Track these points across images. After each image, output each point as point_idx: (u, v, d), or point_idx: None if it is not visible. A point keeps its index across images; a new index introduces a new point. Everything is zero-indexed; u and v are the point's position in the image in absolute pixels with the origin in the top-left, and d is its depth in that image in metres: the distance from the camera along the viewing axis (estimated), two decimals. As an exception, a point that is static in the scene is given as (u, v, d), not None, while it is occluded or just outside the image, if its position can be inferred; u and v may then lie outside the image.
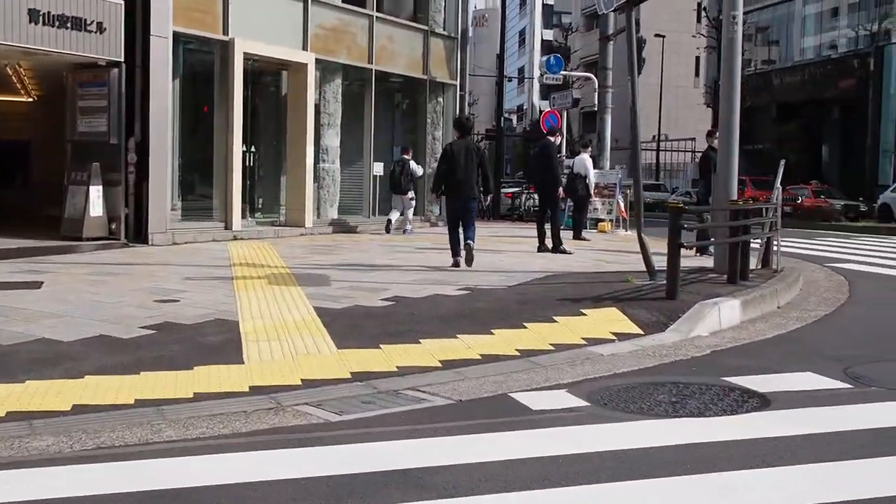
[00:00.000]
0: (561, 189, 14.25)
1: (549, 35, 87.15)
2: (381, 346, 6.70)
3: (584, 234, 17.39)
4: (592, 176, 17.04)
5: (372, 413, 5.14)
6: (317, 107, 18.36)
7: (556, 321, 7.76)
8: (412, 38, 20.66)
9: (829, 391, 5.70)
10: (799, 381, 5.95)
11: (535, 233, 14.39)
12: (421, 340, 6.92)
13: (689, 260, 11.90)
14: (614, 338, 7.38)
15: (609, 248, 15.41)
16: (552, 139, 14.26)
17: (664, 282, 9.11)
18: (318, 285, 9.63)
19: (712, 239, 11.31)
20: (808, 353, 7.07)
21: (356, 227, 18.84)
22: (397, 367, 6.15)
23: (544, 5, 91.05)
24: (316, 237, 17.06)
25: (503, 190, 29.36)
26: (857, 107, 43.39)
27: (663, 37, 63.36)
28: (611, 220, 19.95)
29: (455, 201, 11.89)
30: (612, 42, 19.82)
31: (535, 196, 29.41)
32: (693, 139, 64.33)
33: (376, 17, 19.49)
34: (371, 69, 19.39)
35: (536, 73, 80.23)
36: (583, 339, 7.26)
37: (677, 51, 71.86)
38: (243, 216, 16.58)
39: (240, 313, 7.79)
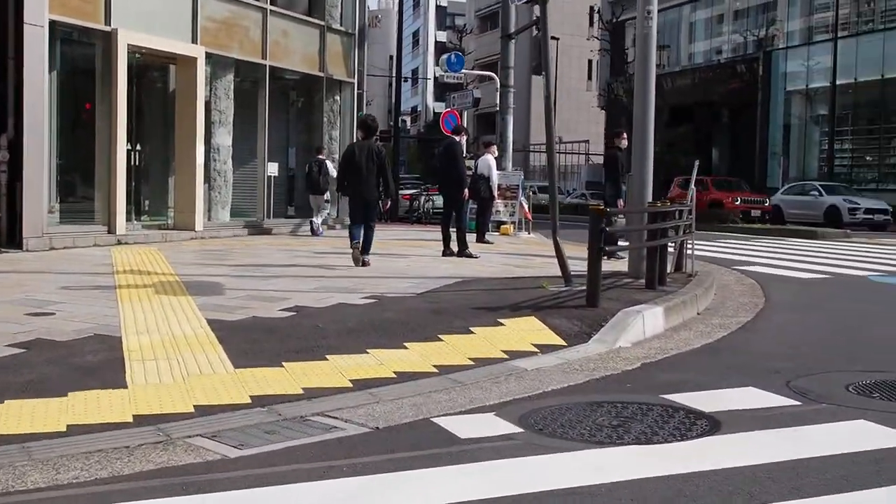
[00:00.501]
0: (467, 190, 13.71)
1: (442, 37, 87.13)
2: (283, 364, 6.00)
3: (487, 236, 16.89)
4: (495, 177, 16.54)
5: (277, 446, 4.44)
6: (207, 104, 17.43)
7: (473, 332, 7.18)
8: (308, 34, 19.87)
9: (778, 409, 5.24)
10: (743, 398, 5.49)
11: (437, 236, 13.85)
12: (328, 357, 6.25)
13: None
14: (537, 350, 6.83)
15: (515, 252, 14.96)
16: (457, 138, 13.70)
17: (581, 288, 8.65)
18: (211, 294, 8.84)
19: (626, 242, 10.91)
20: (742, 365, 6.65)
21: (250, 231, 17.96)
22: (303, 388, 5.46)
23: (438, 7, 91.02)
24: (207, 241, 16.14)
25: (401, 192, 28.76)
26: (745, 110, 44.24)
27: (557, 39, 63.64)
28: (513, 223, 19.53)
29: (357, 201, 12.04)
30: (513, 40, 19.40)
31: (435, 198, 29.02)
32: (587, 141, 64.97)
33: (270, 10, 18.64)
34: (265, 65, 18.54)
35: (431, 73, 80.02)
36: (503, 352, 6.70)
37: (569, 54, 72.57)
38: (128, 219, 15.55)
39: (123, 328, 6.97)
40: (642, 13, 10.22)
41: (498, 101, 20.00)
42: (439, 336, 7.01)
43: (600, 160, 59.76)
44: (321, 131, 20.63)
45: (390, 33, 65.16)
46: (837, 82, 39.06)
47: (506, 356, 6.59)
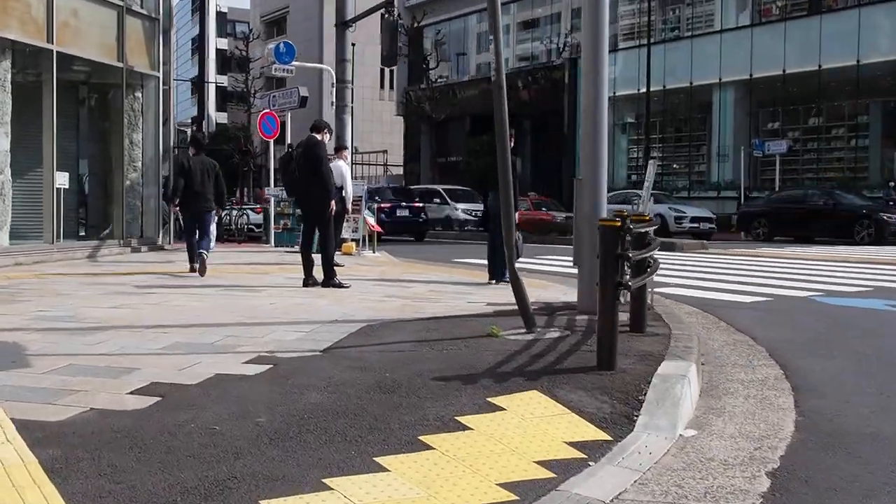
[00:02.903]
0: (333, 203, 10.89)
1: (223, 44, 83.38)
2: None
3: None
4: (350, 187, 13.82)
5: None
6: (-25, 97, 13.77)
7: (469, 428, 4.51)
8: (104, 16, 16.37)
9: None
10: None
11: (269, 257, 11.21)
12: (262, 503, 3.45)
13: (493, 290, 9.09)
14: (582, 454, 4.27)
15: (380, 277, 12.33)
16: (318, 136, 10.84)
17: (556, 335, 6.17)
18: (11, 368, 5.72)
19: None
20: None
21: (37, 258, 14.36)
22: None
23: (218, 13, 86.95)
24: (-19, 272, 12.52)
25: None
26: (550, 118, 43.30)
27: (353, 45, 61.19)
28: (356, 240, 16.84)
29: (191, 212, 12.77)
30: (350, 29, 16.71)
31: (249, 212, 25.85)
32: (385, 152, 62.72)
33: (57, -17, 15.11)
34: (52, 50, 14.95)
35: (213, 80, 75.45)
36: (539, 464, 4.10)
37: (362, 62, 70.35)
38: None
39: None
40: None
41: (334, 99, 17.20)
42: (420, 439, 4.31)
43: (399, 171, 57.83)
44: (120, 134, 17.12)
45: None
46: (644, 90, 38.64)
47: (550, 473, 3.98)
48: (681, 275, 14.08)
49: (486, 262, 11.72)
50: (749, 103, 36.59)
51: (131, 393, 5.06)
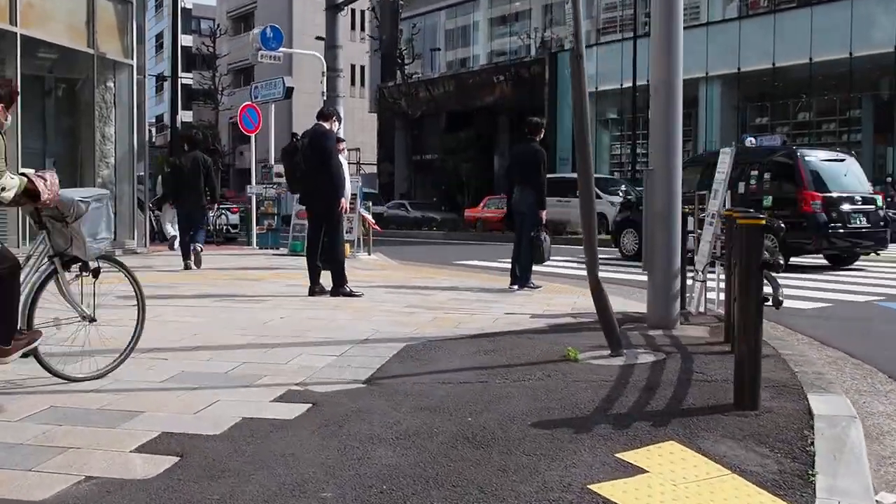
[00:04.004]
0: (344, 201, 9.61)
1: (187, 41, 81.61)
2: None
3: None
4: (348, 183, 12.51)
5: None
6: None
7: (606, 499, 3.29)
8: (72, -3, 14.94)
9: None
10: None
11: (255, 261, 10.08)
12: None
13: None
14: (777, 541, 3.07)
15: (391, 283, 11.07)
16: (326, 125, 9.54)
17: (650, 357, 4.97)
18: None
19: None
20: None
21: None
22: None
23: (183, 9, 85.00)
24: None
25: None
26: (528, 114, 42.15)
27: (322, 39, 59.95)
28: (350, 242, 15.53)
29: (185, 210, 13.20)
30: (342, 13, 15.43)
31: (228, 213, 24.44)
32: (358, 150, 61.27)
33: (19, -40, 13.66)
34: (15, 33, 13.49)
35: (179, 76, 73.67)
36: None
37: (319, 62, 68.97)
38: None
39: None
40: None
41: (325, 89, 15.87)
42: (555, 518, 3.08)
43: (373, 169, 56.43)
44: (91, 128, 15.67)
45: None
46: (626, 84, 37.66)
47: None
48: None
49: (482, 263, 10.45)
50: (737, 98, 35.65)
51: (137, 450, 3.81)
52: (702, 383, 4.92)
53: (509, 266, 10.64)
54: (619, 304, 8.79)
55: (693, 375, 5.11)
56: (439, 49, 51.69)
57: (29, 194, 4.61)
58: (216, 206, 14.63)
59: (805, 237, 13.63)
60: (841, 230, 13.78)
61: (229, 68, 70.73)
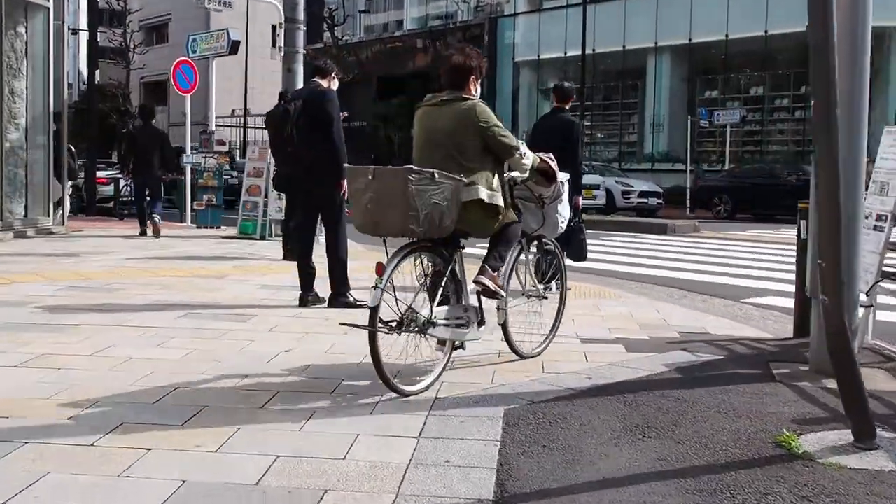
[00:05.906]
0: (345, 183, 7.41)
1: (95, -6, 76.95)
2: None
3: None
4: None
5: None
6: None
7: None
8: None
9: None
10: None
11: (202, 247, 8.24)
12: None
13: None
14: None
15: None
16: (324, 83, 7.34)
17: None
18: None
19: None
20: None
21: None
22: None
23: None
24: None
25: (100, 174, 21.18)
26: (466, 82, 40.17)
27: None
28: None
29: (141, 180, 13.63)
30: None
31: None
32: (280, 115, 58.43)
33: None
34: None
35: (84, 31, 69.32)
36: None
37: (252, 18, 65.73)
38: None
39: None
40: None
41: (283, 44, 13.54)
42: None
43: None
44: (-1, 81, 13.07)
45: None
46: (570, 53, 35.92)
47: None
48: (720, 267, 11.03)
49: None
50: (687, 70, 34.14)
51: None
52: None
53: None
54: (692, 318, 6.88)
55: None
56: (367, 11, 49.27)
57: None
58: (171, 175, 14.73)
59: None
60: None
61: (141, 25, 66.85)
